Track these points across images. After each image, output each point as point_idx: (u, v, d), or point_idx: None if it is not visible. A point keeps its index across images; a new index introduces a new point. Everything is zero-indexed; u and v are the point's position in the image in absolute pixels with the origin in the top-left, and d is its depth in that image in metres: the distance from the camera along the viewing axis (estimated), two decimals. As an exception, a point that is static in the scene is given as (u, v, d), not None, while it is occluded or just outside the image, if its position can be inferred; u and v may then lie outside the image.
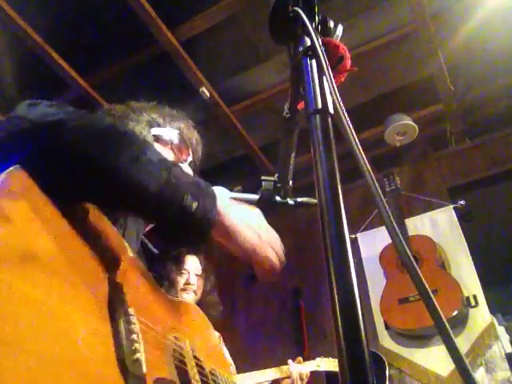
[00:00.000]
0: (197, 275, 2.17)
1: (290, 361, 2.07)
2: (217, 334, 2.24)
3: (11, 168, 0.56)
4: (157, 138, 1.01)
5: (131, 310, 0.65)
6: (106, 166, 0.63)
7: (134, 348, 0.61)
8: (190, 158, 1.05)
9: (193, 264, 2.20)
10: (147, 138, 0.98)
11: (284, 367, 2.02)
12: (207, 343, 0.86)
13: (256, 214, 0.83)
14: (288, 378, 1.98)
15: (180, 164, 1.01)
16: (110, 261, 0.67)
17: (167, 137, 1.02)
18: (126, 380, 0.57)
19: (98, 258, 0.64)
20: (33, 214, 0.56)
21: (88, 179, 0.63)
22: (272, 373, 1.96)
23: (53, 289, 0.52)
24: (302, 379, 2.02)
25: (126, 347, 0.60)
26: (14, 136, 0.63)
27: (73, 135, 0.63)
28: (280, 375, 1.97)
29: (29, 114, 0.65)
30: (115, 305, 0.63)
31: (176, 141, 1.03)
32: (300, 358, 2.14)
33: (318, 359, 2.22)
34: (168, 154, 1.00)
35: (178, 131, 1.04)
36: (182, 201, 0.66)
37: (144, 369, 0.61)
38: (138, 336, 0.63)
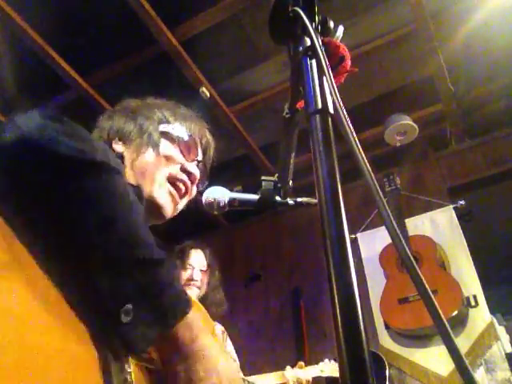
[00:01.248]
0: (201, 271, 2.14)
1: (288, 367, 1.99)
2: (221, 328, 2.21)
3: None
4: (164, 135, 0.97)
5: (124, 362, 0.60)
6: (80, 224, 0.55)
7: (123, 368, 0.58)
8: (198, 158, 1.02)
9: (198, 259, 2.17)
10: (154, 134, 0.95)
11: (283, 372, 1.97)
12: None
13: (233, 369, 0.66)
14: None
15: (186, 163, 0.98)
16: None
17: (175, 134, 0.98)
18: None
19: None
20: None
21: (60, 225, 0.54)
22: (272, 378, 1.91)
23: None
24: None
25: (113, 371, 0.56)
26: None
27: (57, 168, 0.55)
28: (278, 381, 1.92)
29: (27, 126, 0.57)
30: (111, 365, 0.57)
31: (185, 139, 0.99)
32: (302, 363, 2.07)
33: (321, 364, 2.13)
34: (174, 152, 0.97)
35: (187, 130, 1.01)
36: (118, 305, 0.54)
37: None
38: (128, 364, 0.60)
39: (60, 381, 0.49)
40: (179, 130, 1.00)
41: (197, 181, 1.00)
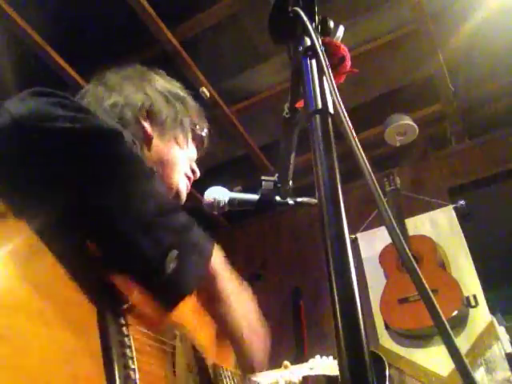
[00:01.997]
0: None
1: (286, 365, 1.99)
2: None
3: None
4: (192, 132, 1.00)
5: (123, 320, 0.61)
6: (91, 195, 0.56)
7: (126, 363, 0.58)
8: (196, 155, 1.05)
9: None
10: (187, 130, 0.96)
11: (273, 371, 1.93)
12: (208, 338, 0.86)
13: (250, 296, 0.76)
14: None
15: (192, 162, 1.01)
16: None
17: (198, 133, 1.02)
18: (114, 371, 0.55)
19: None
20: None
21: (66, 202, 0.55)
22: (260, 378, 1.88)
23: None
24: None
25: (118, 365, 0.57)
26: None
27: (68, 150, 0.55)
28: (268, 381, 1.88)
29: (15, 108, 0.57)
30: (106, 322, 0.58)
31: (202, 139, 1.03)
32: (286, 363, 2.04)
33: (311, 360, 2.11)
34: (194, 151, 1.00)
35: (203, 128, 1.04)
36: (158, 256, 0.57)
37: (135, 364, 0.59)
38: (130, 349, 0.59)
39: (60, 340, 0.50)
40: (200, 128, 1.02)
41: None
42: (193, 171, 1.01)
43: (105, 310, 0.58)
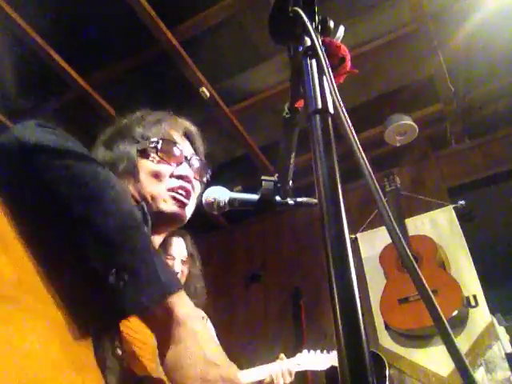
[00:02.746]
0: (182, 261, 2.04)
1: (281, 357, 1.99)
2: (201, 313, 2.16)
3: None
4: (143, 153, 0.98)
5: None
6: (59, 196, 0.60)
7: (115, 344, 0.61)
8: (185, 155, 1.02)
9: (179, 249, 2.07)
10: (132, 159, 0.96)
11: (265, 366, 1.93)
12: None
13: (213, 341, 0.68)
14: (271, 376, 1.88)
15: (176, 168, 0.98)
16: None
17: (150, 146, 0.98)
18: (105, 374, 0.57)
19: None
20: None
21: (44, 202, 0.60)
22: (252, 374, 1.87)
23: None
24: (285, 378, 1.91)
25: (105, 347, 0.59)
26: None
27: (44, 164, 0.61)
28: (261, 376, 1.88)
29: (22, 132, 0.63)
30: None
31: (160, 147, 0.99)
32: (282, 356, 2.04)
33: (298, 356, 2.06)
34: (158, 166, 0.97)
35: (159, 136, 1.00)
36: (107, 269, 0.57)
37: (125, 364, 0.61)
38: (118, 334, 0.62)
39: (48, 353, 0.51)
40: (154, 141, 0.99)
41: (194, 177, 1.01)
42: (178, 177, 0.97)
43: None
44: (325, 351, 2.16)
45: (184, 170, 0.99)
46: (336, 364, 2.14)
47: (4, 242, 0.56)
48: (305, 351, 2.15)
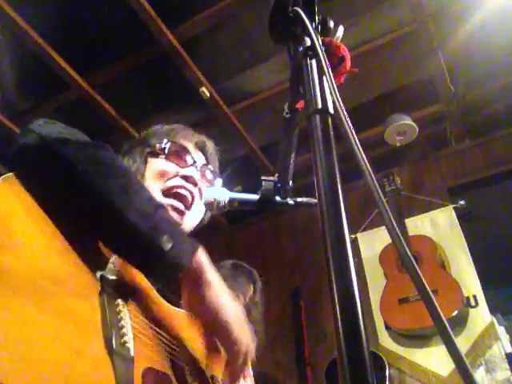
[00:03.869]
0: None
1: None
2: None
3: (4, 176, 0.62)
4: (151, 154, 1.05)
5: (120, 301, 0.67)
6: (95, 189, 0.67)
7: (122, 332, 0.63)
8: (196, 161, 1.07)
9: (246, 289, 2.07)
10: (139, 159, 1.04)
11: None
12: (211, 351, 0.87)
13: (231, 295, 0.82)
14: None
15: (182, 169, 1.03)
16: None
17: (160, 147, 1.05)
18: (112, 358, 0.59)
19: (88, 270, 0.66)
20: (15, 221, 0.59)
21: (75, 196, 0.68)
22: None
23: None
24: None
25: (114, 331, 0.62)
26: (24, 148, 0.69)
27: (74, 156, 0.68)
28: None
29: (41, 130, 0.70)
30: (106, 298, 0.65)
31: (171, 149, 1.05)
32: None
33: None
34: (166, 165, 1.02)
35: (171, 140, 1.06)
36: (157, 237, 0.67)
37: (132, 353, 0.63)
38: (126, 324, 0.65)
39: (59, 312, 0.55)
40: (163, 144, 1.06)
41: (200, 182, 1.05)
42: (183, 177, 1.02)
43: (105, 286, 0.66)
44: None
45: (190, 171, 1.03)
46: None
47: (38, 235, 0.61)
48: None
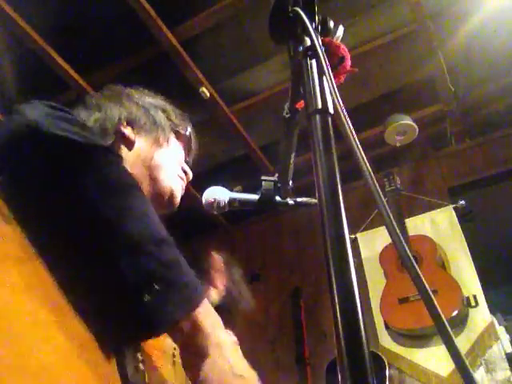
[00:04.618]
0: None
1: None
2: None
3: None
4: (175, 133, 1.00)
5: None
6: (93, 206, 0.56)
7: (136, 357, 0.59)
8: (187, 158, 1.04)
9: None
10: (167, 130, 0.96)
11: None
12: None
13: (237, 351, 0.69)
14: None
15: (185, 163, 1.00)
16: None
17: (183, 132, 1.01)
18: None
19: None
20: None
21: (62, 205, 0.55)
22: None
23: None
24: None
25: (127, 360, 0.57)
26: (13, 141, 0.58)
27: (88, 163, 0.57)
28: None
29: (41, 124, 0.59)
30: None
31: (189, 139, 1.02)
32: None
33: None
34: (181, 151, 1.00)
35: (189, 130, 1.03)
36: (141, 281, 0.54)
37: (147, 379, 0.58)
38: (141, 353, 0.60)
39: (74, 370, 0.49)
40: (185, 129, 1.01)
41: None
42: (184, 172, 1.00)
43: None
44: None
45: (188, 169, 1.01)
46: None
47: (20, 253, 0.52)
48: None
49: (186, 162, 1.03)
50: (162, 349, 0.71)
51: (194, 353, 0.61)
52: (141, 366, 0.58)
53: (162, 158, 0.93)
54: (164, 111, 1.00)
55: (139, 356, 0.58)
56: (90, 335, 0.53)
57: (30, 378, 0.45)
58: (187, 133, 1.02)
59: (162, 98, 1.05)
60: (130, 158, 0.90)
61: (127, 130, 0.93)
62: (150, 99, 1.02)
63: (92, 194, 0.56)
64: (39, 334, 0.49)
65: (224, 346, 0.63)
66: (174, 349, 0.74)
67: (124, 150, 0.91)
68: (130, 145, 0.92)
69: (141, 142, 0.93)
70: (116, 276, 0.54)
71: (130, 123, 0.94)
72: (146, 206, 0.62)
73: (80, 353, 0.51)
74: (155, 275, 0.55)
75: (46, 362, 0.48)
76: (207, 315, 0.61)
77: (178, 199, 0.95)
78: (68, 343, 0.51)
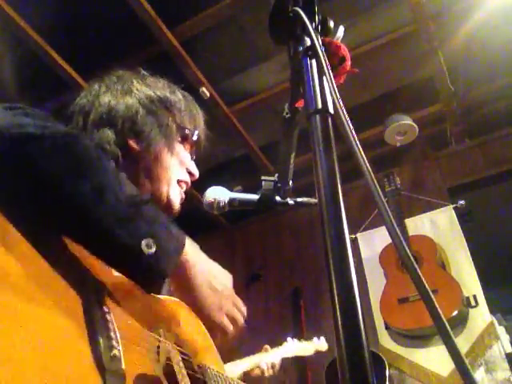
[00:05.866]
0: None
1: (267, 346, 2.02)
2: None
3: None
4: (181, 136, 1.00)
5: (106, 308, 0.64)
6: (65, 191, 0.60)
7: (110, 345, 0.60)
8: (194, 157, 1.05)
9: None
10: (173, 137, 0.97)
11: (252, 357, 1.96)
12: (196, 339, 0.86)
13: (224, 275, 0.83)
14: (256, 369, 1.91)
15: (191, 163, 1.01)
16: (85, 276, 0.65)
17: (188, 134, 1.01)
18: (103, 377, 0.57)
19: (72, 276, 0.61)
20: None
21: (44, 199, 0.59)
22: (240, 365, 1.90)
23: (21, 296, 0.53)
24: (273, 367, 1.95)
25: (102, 344, 0.60)
26: None
27: (40, 150, 0.59)
28: (248, 367, 1.90)
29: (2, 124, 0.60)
30: (90, 307, 0.61)
31: (194, 139, 1.02)
32: (267, 347, 2.10)
33: (285, 344, 2.15)
34: (185, 154, 1.00)
35: (195, 128, 1.04)
36: (136, 244, 0.62)
37: (123, 365, 0.61)
38: (114, 333, 0.63)
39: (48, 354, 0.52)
40: (191, 129, 1.02)
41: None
42: (190, 173, 1.01)
43: (87, 295, 0.62)
44: (309, 340, 2.28)
45: (195, 168, 1.02)
46: (319, 349, 2.25)
47: (6, 236, 0.56)
48: (289, 339, 2.24)
49: (193, 159, 1.04)
50: (146, 340, 0.72)
51: (183, 280, 0.73)
52: (116, 353, 0.60)
53: (165, 167, 0.95)
54: (169, 110, 1.00)
55: (114, 343, 0.61)
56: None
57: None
58: (194, 135, 1.02)
59: (169, 86, 1.09)
60: (133, 167, 0.93)
61: (132, 142, 0.94)
62: (155, 93, 1.03)
63: (67, 179, 0.60)
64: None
65: (206, 271, 0.76)
66: (164, 344, 0.75)
67: (129, 160, 0.93)
68: (134, 155, 0.94)
69: (143, 152, 0.95)
70: (117, 245, 0.62)
71: (134, 131, 0.95)
72: (117, 177, 0.68)
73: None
74: (147, 232, 0.64)
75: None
76: (192, 252, 0.73)
77: (175, 206, 0.98)
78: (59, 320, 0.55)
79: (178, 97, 1.06)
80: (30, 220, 0.59)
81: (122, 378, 0.60)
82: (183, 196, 0.99)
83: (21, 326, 0.51)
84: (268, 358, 1.99)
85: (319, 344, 2.25)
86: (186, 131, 1.01)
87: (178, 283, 0.74)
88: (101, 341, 0.60)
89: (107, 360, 0.59)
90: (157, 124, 0.96)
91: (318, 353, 2.24)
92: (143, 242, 0.62)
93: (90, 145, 0.67)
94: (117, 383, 0.59)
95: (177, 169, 0.98)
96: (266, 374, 1.93)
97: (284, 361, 2.06)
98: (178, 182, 0.99)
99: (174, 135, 0.98)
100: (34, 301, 0.54)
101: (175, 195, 0.97)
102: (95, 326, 0.60)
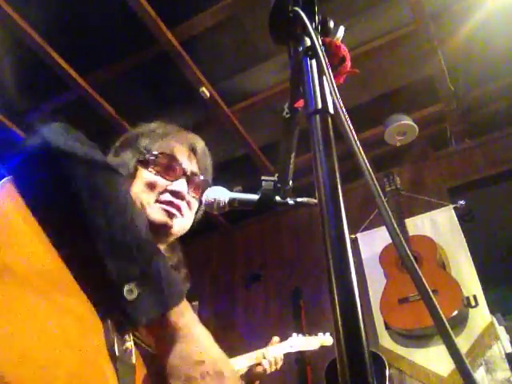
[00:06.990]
0: None
1: (274, 340, 2.02)
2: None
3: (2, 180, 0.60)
4: (142, 163, 1.01)
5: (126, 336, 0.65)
6: (83, 213, 0.62)
7: (123, 339, 0.62)
8: (186, 171, 1.04)
9: None
10: (131, 167, 1.00)
11: (257, 352, 1.94)
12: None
13: (218, 353, 0.68)
14: (259, 364, 1.88)
15: (172, 183, 1.00)
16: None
17: (151, 159, 1.01)
18: (115, 365, 0.58)
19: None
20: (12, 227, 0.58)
21: (62, 213, 0.63)
22: (244, 360, 1.89)
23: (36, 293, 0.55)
24: (276, 363, 1.94)
25: (115, 337, 0.61)
26: (25, 152, 0.65)
27: (73, 171, 0.63)
28: (252, 362, 1.89)
29: (50, 136, 0.66)
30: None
31: (161, 161, 1.01)
32: (276, 338, 2.06)
33: (290, 339, 2.15)
34: (155, 178, 1.00)
35: (163, 149, 1.03)
36: (123, 282, 0.59)
37: (134, 360, 0.62)
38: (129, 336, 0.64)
39: (66, 341, 0.54)
40: (155, 154, 1.02)
41: (188, 196, 1.02)
42: (172, 192, 0.99)
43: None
44: (313, 335, 2.27)
45: (179, 186, 1.00)
46: (324, 344, 2.24)
47: (26, 237, 0.59)
48: (294, 335, 2.24)
49: (182, 176, 1.02)
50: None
51: (164, 344, 0.64)
52: (128, 345, 0.61)
53: (136, 195, 0.96)
54: (131, 146, 1.04)
55: (127, 339, 0.62)
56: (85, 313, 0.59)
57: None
58: (152, 157, 1.01)
59: (153, 124, 1.10)
60: None
61: None
62: (134, 133, 1.08)
63: (86, 200, 0.62)
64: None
65: (195, 336, 0.65)
66: None
67: None
68: None
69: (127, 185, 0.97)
70: (104, 277, 0.60)
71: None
72: (135, 212, 0.68)
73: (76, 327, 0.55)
74: (136, 277, 0.60)
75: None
76: (182, 315, 0.64)
77: (166, 224, 0.97)
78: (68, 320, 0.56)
79: (148, 127, 1.10)
80: (50, 220, 0.61)
81: (132, 369, 0.62)
82: (174, 212, 0.98)
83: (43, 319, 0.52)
84: (273, 352, 1.98)
85: (324, 339, 2.25)
86: (149, 154, 1.02)
87: (156, 338, 0.66)
88: (115, 334, 0.61)
89: (120, 351, 0.60)
90: (122, 160, 1.01)
91: (322, 347, 2.24)
92: (126, 286, 0.59)
93: (120, 181, 0.71)
94: (127, 372, 0.60)
95: (147, 192, 0.98)
96: (269, 370, 1.92)
97: (285, 361, 2.06)
98: (159, 202, 0.98)
99: (133, 165, 1.00)
100: (68, 298, 0.56)
101: (154, 213, 0.96)
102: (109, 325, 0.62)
